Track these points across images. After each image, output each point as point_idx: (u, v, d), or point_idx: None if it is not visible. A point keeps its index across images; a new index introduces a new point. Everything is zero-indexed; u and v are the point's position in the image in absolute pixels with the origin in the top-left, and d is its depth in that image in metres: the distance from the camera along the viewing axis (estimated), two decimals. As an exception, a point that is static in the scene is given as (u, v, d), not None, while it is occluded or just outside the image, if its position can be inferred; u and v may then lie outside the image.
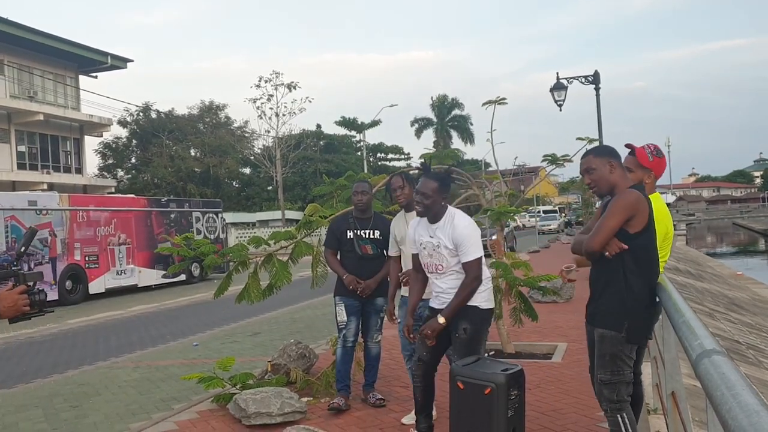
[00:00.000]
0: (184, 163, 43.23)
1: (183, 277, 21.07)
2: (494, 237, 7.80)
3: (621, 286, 3.22)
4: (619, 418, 3.23)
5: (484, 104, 7.59)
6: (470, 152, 68.00)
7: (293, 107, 39.65)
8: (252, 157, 46.42)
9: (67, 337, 11.19)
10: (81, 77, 34.08)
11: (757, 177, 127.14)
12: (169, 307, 15.16)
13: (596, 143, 7.72)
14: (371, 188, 5.46)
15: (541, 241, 30.26)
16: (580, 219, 39.02)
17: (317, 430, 4.26)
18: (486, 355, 4.21)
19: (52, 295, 15.87)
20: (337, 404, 5.08)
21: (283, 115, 38.83)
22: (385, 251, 5.19)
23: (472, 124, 64.43)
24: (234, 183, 50.82)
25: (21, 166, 29.81)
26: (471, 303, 3.88)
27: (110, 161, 45.40)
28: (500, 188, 7.97)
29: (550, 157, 7.46)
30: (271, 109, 38.74)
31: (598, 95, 18.00)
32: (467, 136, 64.31)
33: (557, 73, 17.74)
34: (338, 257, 5.36)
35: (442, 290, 4.01)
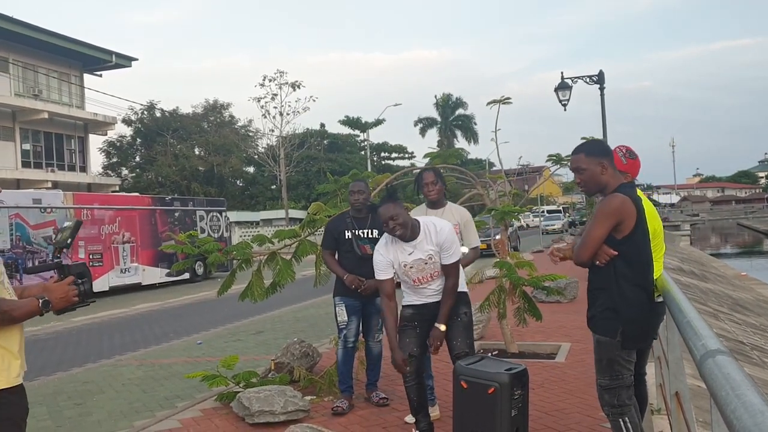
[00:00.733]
0: (188, 161, 43.26)
1: (187, 275, 21.11)
2: (498, 236, 7.79)
3: (614, 292, 3.17)
4: (621, 423, 3.20)
5: (488, 104, 7.57)
6: (474, 152, 68.12)
7: (297, 106, 39.52)
8: (256, 156, 46.42)
9: (72, 334, 11.22)
10: (86, 76, 34.12)
11: (762, 177, 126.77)
12: (172, 306, 15.19)
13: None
14: (368, 187, 5.44)
15: (544, 241, 30.19)
16: (584, 219, 38.96)
17: (320, 429, 4.27)
18: (489, 354, 4.23)
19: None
20: (340, 408, 5.08)
21: (287, 114, 38.80)
22: None
23: (476, 124, 64.50)
24: (238, 182, 50.83)
25: (26, 165, 29.89)
26: (462, 289, 4.21)
27: (114, 160, 45.45)
28: (504, 188, 7.96)
29: (554, 157, 7.44)
30: (275, 108, 38.73)
31: (602, 95, 17.99)
32: (471, 136, 64.32)
33: (562, 73, 17.75)
34: (336, 258, 5.34)
35: (435, 291, 4.13)
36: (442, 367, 5.49)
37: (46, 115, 29.36)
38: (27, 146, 30.40)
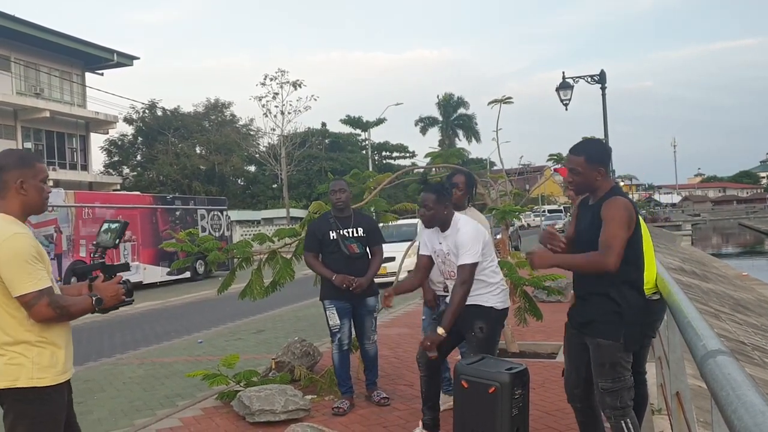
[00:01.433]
0: (190, 160, 43.26)
1: (188, 274, 21.13)
2: (499, 236, 7.79)
3: (616, 296, 3.17)
4: (623, 424, 3.20)
5: (489, 103, 7.57)
6: (475, 151, 68.05)
7: (298, 105, 39.57)
8: (257, 155, 46.40)
9: (73, 333, 11.20)
10: (87, 74, 34.13)
11: (764, 177, 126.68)
12: (173, 304, 15.20)
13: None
14: (348, 186, 5.38)
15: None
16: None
17: (321, 428, 4.26)
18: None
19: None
20: (341, 409, 5.06)
21: (289, 113, 38.79)
22: (367, 249, 5.19)
23: (477, 123, 64.43)
24: (239, 181, 50.82)
25: (27, 163, 29.88)
26: (487, 304, 4.00)
27: (116, 158, 45.46)
28: (505, 187, 7.96)
29: (555, 157, 7.44)
30: (276, 107, 38.72)
31: (604, 95, 17.98)
32: (472, 135, 64.27)
33: (563, 73, 17.73)
34: (320, 260, 5.22)
35: None
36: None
37: (47, 114, 29.37)
38: (29, 145, 30.40)
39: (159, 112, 44.57)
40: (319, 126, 53.29)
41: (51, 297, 2.50)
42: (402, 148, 59.82)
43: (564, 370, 3.62)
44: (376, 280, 5.32)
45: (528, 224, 47.85)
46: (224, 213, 24.07)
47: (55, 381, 2.54)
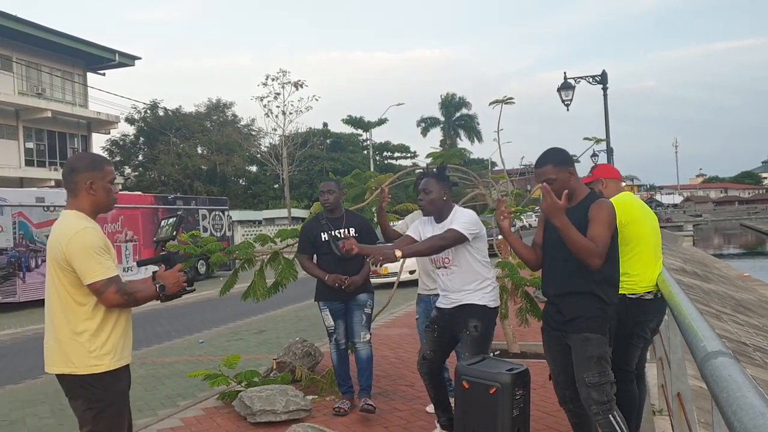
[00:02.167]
0: (191, 160, 43.30)
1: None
2: (500, 237, 7.79)
3: (598, 292, 3.25)
4: (612, 418, 3.22)
5: (491, 104, 7.56)
6: (477, 151, 68.13)
7: (300, 105, 39.61)
8: (259, 155, 46.41)
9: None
10: (89, 74, 34.16)
11: (765, 178, 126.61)
12: (175, 304, 15.19)
13: (603, 143, 7.69)
14: (339, 187, 5.33)
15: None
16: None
17: (322, 428, 4.27)
18: (491, 354, 4.21)
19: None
20: (342, 409, 5.05)
21: (290, 113, 38.83)
22: None
23: (478, 123, 64.42)
24: (240, 181, 50.85)
25: (29, 163, 29.93)
26: (479, 302, 3.97)
27: (117, 158, 45.46)
28: (507, 188, 7.96)
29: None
30: (278, 107, 38.75)
31: (605, 95, 17.99)
32: (474, 135, 64.26)
33: (564, 73, 17.73)
34: (315, 262, 5.20)
35: (450, 290, 4.04)
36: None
37: (49, 114, 29.39)
38: (30, 145, 30.44)
39: (160, 112, 44.62)
40: (320, 126, 53.35)
41: (119, 284, 2.72)
42: (403, 149, 59.85)
43: (550, 374, 3.62)
44: (377, 281, 5.32)
45: (529, 225, 47.78)
46: (226, 213, 24.08)
47: (113, 366, 2.76)
